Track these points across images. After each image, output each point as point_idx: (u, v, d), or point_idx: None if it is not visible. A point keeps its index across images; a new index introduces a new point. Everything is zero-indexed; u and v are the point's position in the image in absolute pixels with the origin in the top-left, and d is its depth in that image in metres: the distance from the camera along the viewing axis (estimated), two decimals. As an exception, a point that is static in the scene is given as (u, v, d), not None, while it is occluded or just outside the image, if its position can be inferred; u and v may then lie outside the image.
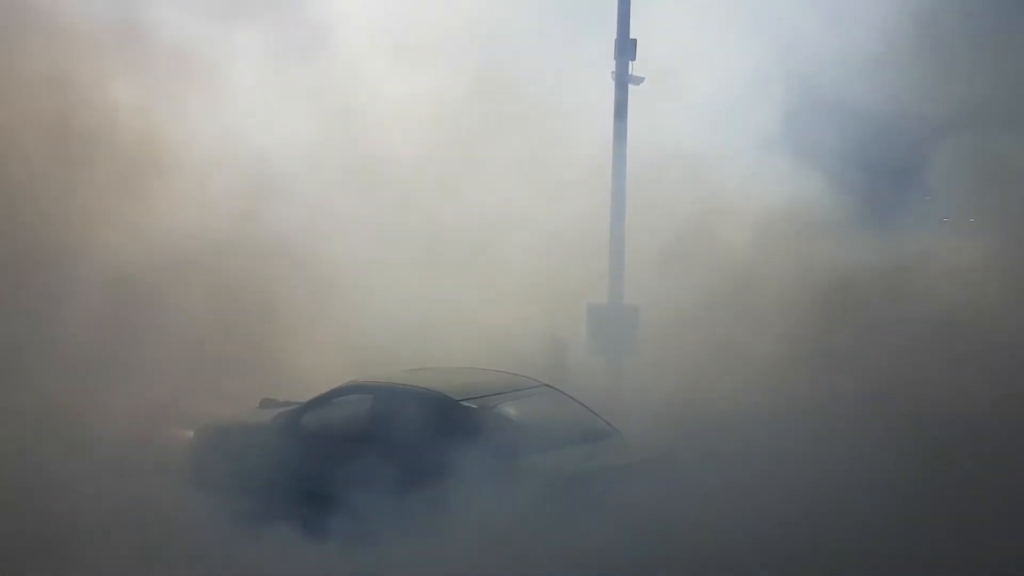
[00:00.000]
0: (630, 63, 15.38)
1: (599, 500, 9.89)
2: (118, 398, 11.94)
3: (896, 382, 11.88)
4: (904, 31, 15.26)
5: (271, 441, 11.37)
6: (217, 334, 13.35)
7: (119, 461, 10.92)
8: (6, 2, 14.49)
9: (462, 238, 15.35)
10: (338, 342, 13.81)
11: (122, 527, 10.08)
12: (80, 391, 11.97)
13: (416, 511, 9.92)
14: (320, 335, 14.02)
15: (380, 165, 15.53)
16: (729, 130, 15.89)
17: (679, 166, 15.35)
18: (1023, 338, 12.04)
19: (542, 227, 15.42)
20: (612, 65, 15.41)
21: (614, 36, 15.30)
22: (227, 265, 13.75)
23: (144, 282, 13.37)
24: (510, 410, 11.15)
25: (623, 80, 15.45)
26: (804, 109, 15.83)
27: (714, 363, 13.10)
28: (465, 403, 10.99)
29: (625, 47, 15.34)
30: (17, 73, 13.98)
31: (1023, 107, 14.44)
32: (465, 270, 14.98)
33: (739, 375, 12.79)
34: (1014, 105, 14.35)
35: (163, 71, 14.83)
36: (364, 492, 10.15)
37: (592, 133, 15.87)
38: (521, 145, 15.86)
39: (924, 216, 15.13)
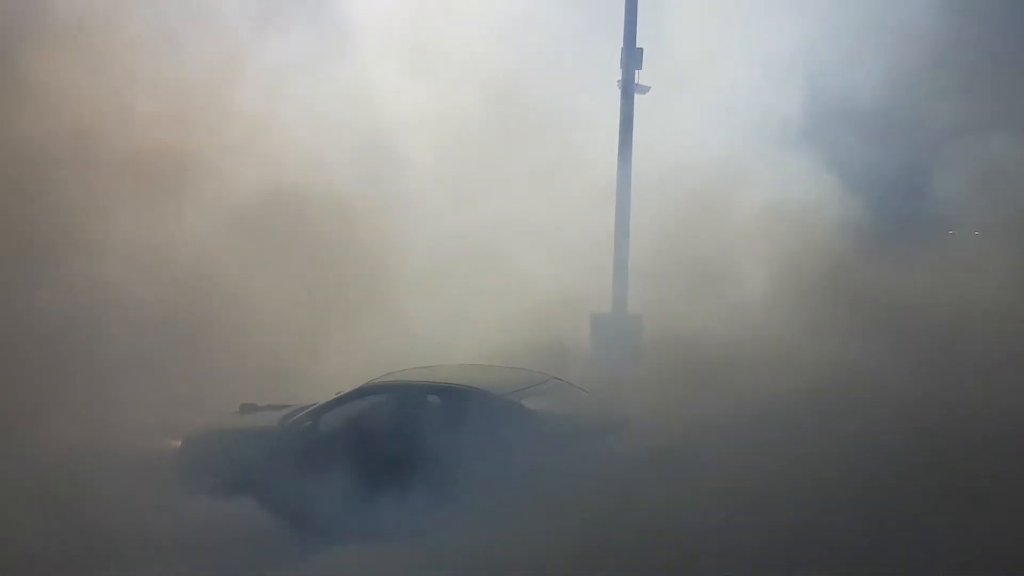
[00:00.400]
0: (636, 72, 15.41)
1: (643, 482, 9.93)
2: (98, 408, 11.71)
3: (901, 387, 11.82)
4: (915, 39, 15.22)
5: (284, 444, 11.16)
6: (197, 342, 13.28)
7: (105, 469, 10.68)
8: (28, 10, 14.50)
9: (466, 245, 15.31)
10: (335, 348, 13.73)
11: (118, 536, 9.99)
12: (57, 401, 11.69)
13: (473, 507, 9.86)
14: (317, 342, 13.94)
15: (387, 174, 15.50)
16: (734, 138, 15.84)
17: (684, 174, 15.31)
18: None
19: (548, 234, 15.39)
20: (618, 74, 15.44)
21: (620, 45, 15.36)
22: (226, 272, 13.75)
23: (135, 290, 13.28)
24: (543, 401, 11.17)
25: (629, 89, 15.46)
26: (812, 117, 15.81)
27: (719, 369, 13.03)
28: (507, 397, 11.00)
29: (632, 56, 15.36)
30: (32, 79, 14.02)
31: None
32: (469, 278, 14.93)
33: (744, 383, 12.73)
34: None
35: (177, 78, 14.82)
36: (411, 490, 10.12)
37: (598, 140, 15.86)
38: (528, 153, 15.83)
39: (930, 226, 15.07)
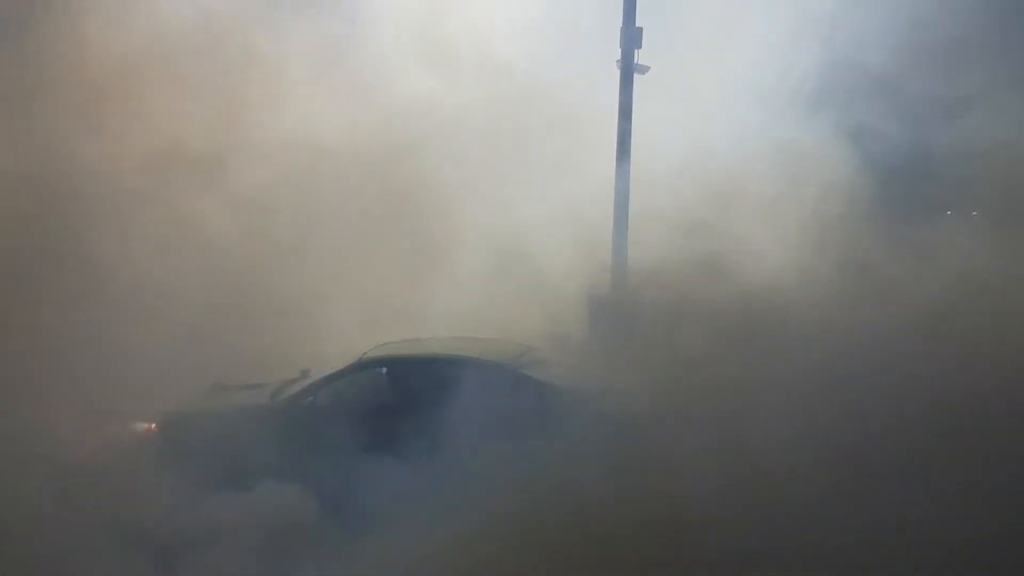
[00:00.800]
0: (636, 52, 15.33)
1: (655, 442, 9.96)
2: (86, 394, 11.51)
3: (898, 369, 11.74)
4: (922, 16, 15.10)
5: (285, 421, 11.13)
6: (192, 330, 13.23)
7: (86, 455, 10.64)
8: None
9: (466, 229, 15.27)
10: (324, 331, 13.66)
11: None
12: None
13: (491, 477, 9.88)
14: (310, 325, 13.92)
15: (391, 162, 15.48)
16: (734, 120, 15.75)
17: (684, 155, 15.23)
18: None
19: (550, 216, 15.34)
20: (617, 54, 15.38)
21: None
22: (226, 264, 13.77)
23: (137, 283, 13.24)
24: (542, 370, 11.33)
25: (628, 70, 15.39)
26: (809, 100, 15.72)
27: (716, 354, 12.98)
28: (511, 366, 11.17)
29: (631, 36, 15.29)
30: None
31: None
32: (466, 261, 14.91)
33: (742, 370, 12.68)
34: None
35: (192, 75, 14.83)
36: (428, 462, 10.18)
37: (597, 120, 15.79)
38: (531, 137, 15.78)
39: (929, 208, 14.97)
